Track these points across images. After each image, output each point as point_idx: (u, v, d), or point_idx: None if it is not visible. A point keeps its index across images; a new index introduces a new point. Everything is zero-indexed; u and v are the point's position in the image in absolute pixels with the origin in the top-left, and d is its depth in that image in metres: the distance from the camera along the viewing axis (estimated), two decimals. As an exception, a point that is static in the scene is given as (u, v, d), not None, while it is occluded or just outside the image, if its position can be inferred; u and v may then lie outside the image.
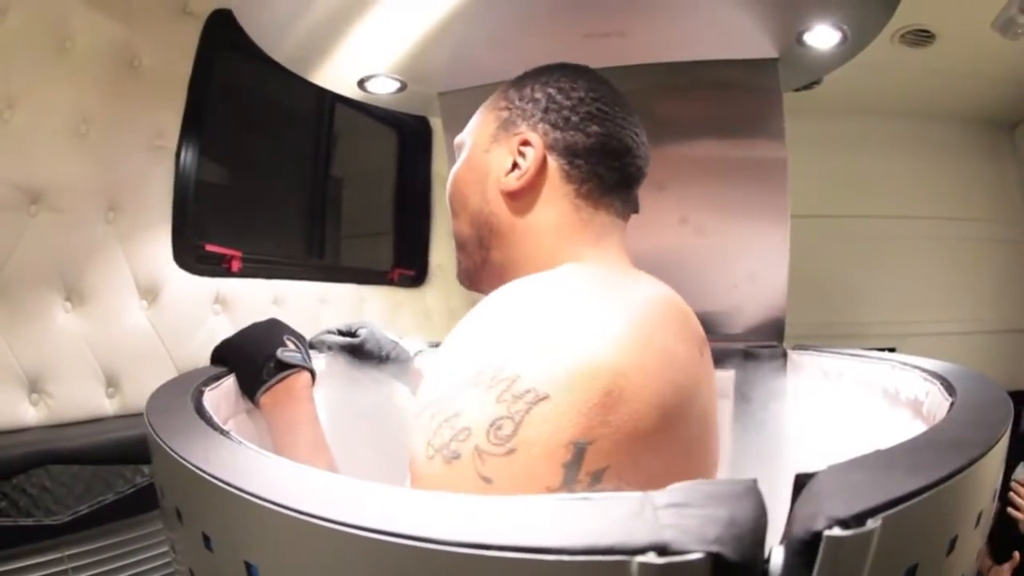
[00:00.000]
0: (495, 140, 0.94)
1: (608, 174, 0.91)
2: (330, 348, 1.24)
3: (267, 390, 1.00)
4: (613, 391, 0.59)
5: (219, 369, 1.01)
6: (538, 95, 0.93)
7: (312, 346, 1.22)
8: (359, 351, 1.25)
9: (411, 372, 1.29)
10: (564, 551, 0.35)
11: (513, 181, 0.90)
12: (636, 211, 0.99)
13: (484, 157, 0.95)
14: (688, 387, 0.67)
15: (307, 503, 0.44)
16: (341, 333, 1.28)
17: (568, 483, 0.56)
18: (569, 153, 0.90)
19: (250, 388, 1.01)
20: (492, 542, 0.36)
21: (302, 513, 0.44)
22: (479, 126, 0.98)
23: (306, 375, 1.04)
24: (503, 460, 0.56)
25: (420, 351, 1.34)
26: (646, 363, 0.63)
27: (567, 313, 0.65)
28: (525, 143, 0.90)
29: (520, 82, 0.98)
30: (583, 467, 0.56)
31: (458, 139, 1.02)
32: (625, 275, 0.81)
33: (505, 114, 0.95)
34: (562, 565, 0.35)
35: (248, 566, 0.49)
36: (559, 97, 0.92)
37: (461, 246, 0.98)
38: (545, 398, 0.57)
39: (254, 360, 1.02)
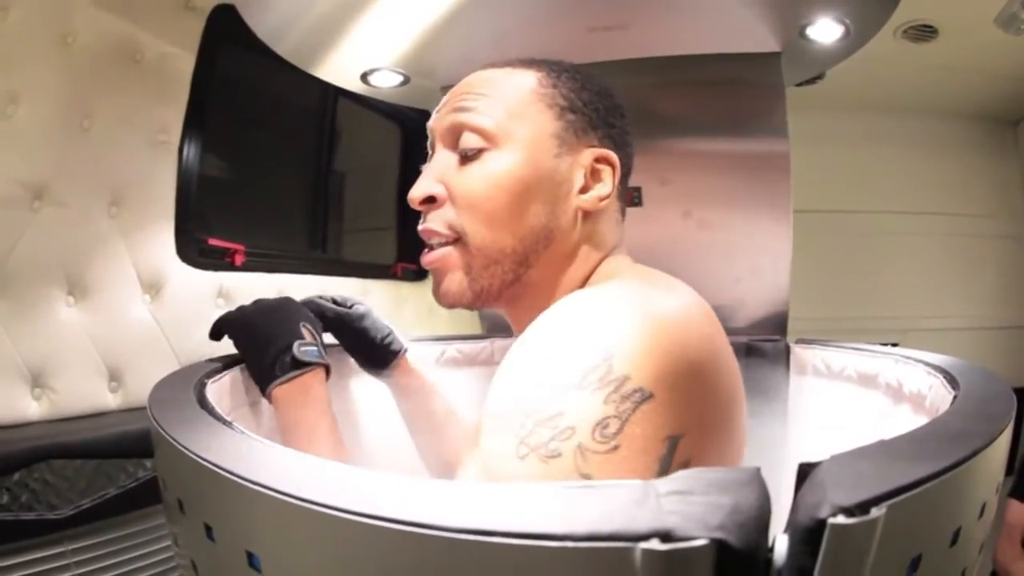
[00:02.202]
0: (563, 145, 0.86)
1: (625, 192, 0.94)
2: (327, 316, 1.15)
3: (281, 385, 0.94)
4: (707, 388, 0.65)
5: (221, 362, 0.98)
6: (597, 104, 0.89)
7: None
8: (356, 323, 1.18)
9: (400, 366, 1.24)
10: (568, 537, 0.35)
11: (597, 201, 0.86)
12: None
13: (554, 164, 0.85)
14: (740, 388, 0.74)
15: (309, 491, 0.44)
16: (335, 303, 1.19)
17: (662, 475, 0.56)
18: (623, 171, 0.90)
19: (260, 378, 0.96)
20: (495, 528, 0.36)
21: (304, 501, 0.43)
22: (534, 121, 0.86)
23: (322, 372, 0.98)
24: (605, 457, 0.57)
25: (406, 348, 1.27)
26: (724, 364, 0.70)
27: (660, 316, 0.66)
28: (604, 160, 0.87)
29: (566, 79, 0.89)
30: (675, 460, 0.59)
31: (484, 121, 0.85)
32: (669, 280, 0.83)
33: (571, 117, 0.87)
34: (566, 551, 0.35)
35: (250, 555, 0.49)
36: (612, 109, 0.91)
37: (491, 262, 0.85)
38: (651, 397, 0.59)
39: (266, 349, 0.96)
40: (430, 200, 0.87)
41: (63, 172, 1.58)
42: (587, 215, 0.87)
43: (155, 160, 1.81)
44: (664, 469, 0.58)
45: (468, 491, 0.42)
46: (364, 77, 1.50)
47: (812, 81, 1.99)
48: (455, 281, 0.87)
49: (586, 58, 1.43)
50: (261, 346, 0.97)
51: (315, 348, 0.98)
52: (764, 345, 1.39)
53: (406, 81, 1.50)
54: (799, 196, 1.43)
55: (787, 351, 1.37)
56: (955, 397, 0.74)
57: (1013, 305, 3.24)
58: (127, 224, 1.73)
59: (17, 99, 1.49)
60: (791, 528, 0.39)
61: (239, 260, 2.05)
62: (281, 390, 0.94)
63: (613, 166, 0.87)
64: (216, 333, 1.02)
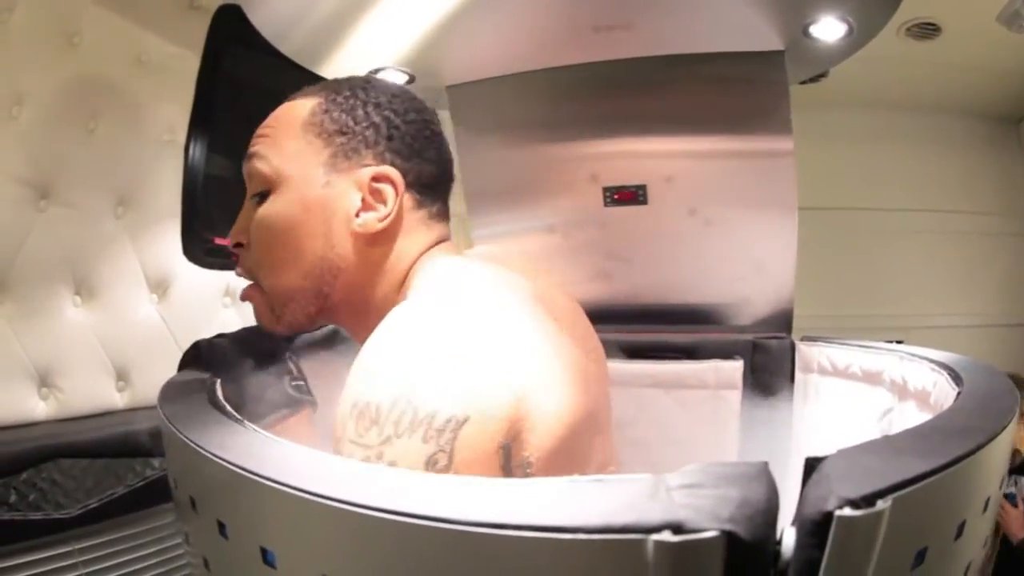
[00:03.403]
0: (333, 171, 0.84)
1: (446, 190, 0.92)
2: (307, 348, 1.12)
3: (272, 425, 0.90)
4: (518, 392, 0.64)
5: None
6: (375, 119, 0.86)
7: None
8: (337, 343, 1.16)
9: None
10: (581, 530, 0.36)
11: (375, 223, 0.83)
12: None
13: (322, 195, 0.83)
14: (575, 378, 0.74)
15: (323, 486, 0.44)
16: None
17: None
18: (418, 182, 0.87)
19: (247, 413, 0.84)
20: (509, 521, 0.37)
21: (319, 496, 0.44)
22: (299, 153, 0.85)
23: (308, 410, 0.96)
24: None
25: None
26: (541, 365, 0.70)
27: (462, 337, 0.67)
28: (382, 179, 0.84)
29: (340, 100, 0.87)
30: (513, 462, 0.61)
31: (263, 166, 0.86)
32: (494, 276, 0.83)
33: (341, 140, 0.84)
34: (579, 543, 0.36)
35: (264, 551, 0.50)
36: (398, 121, 0.87)
37: (287, 299, 0.86)
38: (466, 420, 0.60)
39: (255, 382, 0.93)
40: (238, 245, 0.90)
41: (69, 172, 1.58)
42: (374, 237, 0.84)
43: (161, 160, 1.81)
44: (509, 473, 0.61)
45: (481, 485, 0.43)
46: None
47: (816, 79, 1.99)
48: (264, 316, 0.89)
49: (591, 56, 1.44)
50: (246, 379, 0.94)
51: (304, 383, 0.96)
52: (769, 342, 1.39)
53: (411, 80, 1.50)
54: (803, 194, 1.44)
55: (792, 348, 1.38)
56: (959, 393, 0.74)
57: (1017, 302, 3.24)
58: (134, 224, 1.73)
59: (23, 99, 1.49)
60: (799, 520, 0.39)
61: (245, 259, 2.04)
62: (272, 431, 0.88)
63: (393, 182, 0.84)
64: (192, 361, 0.97)
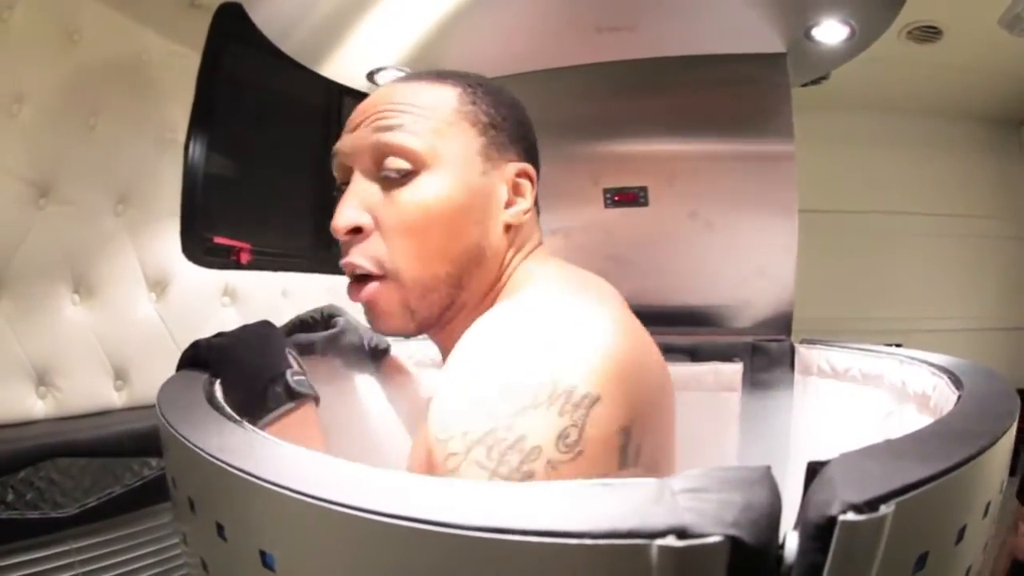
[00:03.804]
0: (488, 162, 0.84)
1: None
2: (316, 343, 1.10)
3: (275, 420, 0.85)
4: (640, 377, 0.66)
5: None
6: (511, 118, 0.88)
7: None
8: (343, 340, 1.13)
9: (387, 362, 1.21)
10: (585, 535, 0.35)
11: (520, 215, 0.86)
12: None
13: (482, 182, 0.83)
14: (667, 372, 0.79)
15: (324, 489, 0.44)
16: (310, 323, 1.15)
17: (624, 462, 0.61)
18: (537, 182, 0.89)
19: (249, 410, 0.83)
20: (512, 526, 0.37)
21: (319, 499, 0.44)
22: (460, 139, 0.83)
23: (313, 403, 0.91)
24: (572, 464, 0.58)
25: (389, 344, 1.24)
26: (649, 353, 0.73)
27: (585, 320, 0.68)
28: (524, 175, 0.87)
29: (482, 94, 0.87)
30: (630, 448, 0.62)
31: (412, 141, 0.81)
32: (582, 277, 0.86)
33: (493, 133, 0.85)
34: (583, 548, 0.35)
35: (263, 554, 0.50)
36: (524, 123, 0.90)
37: (428, 291, 0.83)
38: (599, 398, 0.61)
39: (256, 379, 0.87)
40: (356, 231, 0.83)
41: (69, 170, 1.58)
42: (510, 228, 0.86)
43: (161, 158, 1.81)
44: (625, 457, 0.61)
45: (484, 489, 0.43)
46: (370, 76, 1.50)
47: (817, 81, 2.00)
48: (395, 316, 0.84)
49: (594, 58, 1.44)
50: (248, 375, 0.88)
51: (305, 378, 0.91)
52: (769, 345, 1.39)
53: (411, 80, 1.51)
54: (804, 196, 1.44)
55: (792, 351, 1.38)
56: (959, 397, 0.74)
57: (1017, 306, 3.23)
58: (133, 222, 1.73)
59: (23, 97, 1.49)
60: (802, 525, 0.39)
61: (245, 258, 2.05)
62: (276, 426, 0.85)
63: (532, 179, 0.87)
64: (191, 361, 0.92)
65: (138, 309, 1.76)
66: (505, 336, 0.68)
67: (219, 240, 1.99)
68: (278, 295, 2.19)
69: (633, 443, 0.62)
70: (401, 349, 1.27)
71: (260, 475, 0.49)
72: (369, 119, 0.84)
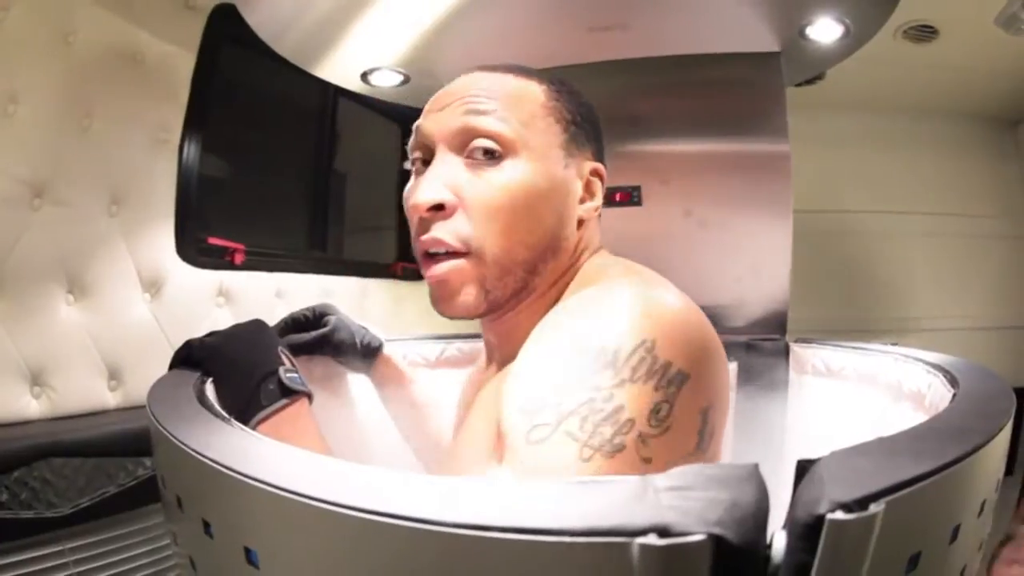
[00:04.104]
0: (569, 157, 0.87)
1: None
2: (308, 343, 1.12)
3: (269, 417, 0.85)
4: (717, 364, 0.71)
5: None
6: (589, 119, 0.91)
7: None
8: (334, 338, 1.15)
9: (380, 360, 1.22)
10: (566, 532, 0.35)
11: (592, 212, 0.89)
12: None
13: (563, 175, 0.86)
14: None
15: (307, 486, 0.44)
16: (301, 321, 1.16)
17: (700, 444, 0.64)
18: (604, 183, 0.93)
19: (242, 408, 0.84)
20: (493, 523, 0.36)
21: (302, 496, 0.43)
22: (546, 132, 0.86)
23: (306, 400, 0.90)
24: (661, 439, 0.61)
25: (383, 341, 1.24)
26: (722, 350, 0.76)
27: (671, 304, 0.71)
28: (596, 173, 0.90)
29: (564, 92, 0.90)
30: (707, 430, 0.65)
31: (502, 127, 0.83)
32: (651, 271, 0.87)
33: (574, 130, 0.88)
34: (564, 546, 0.35)
35: (248, 551, 0.49)
36: (598, 125, 0.93)
37: (506, 272, 0.84)
38: (688, 376, 0.64)
39: (249, 376, 0.87)
40: (438, 208, 0.83)
41: (63, 171, 1.58)
42: (582, 223, 0.89)
43: (155, 159, 1.81)
44: (701, 439, 0.64)
45: (465, 486, 0.42)
46: (364, 76, 1.50)
47: (812, 81, 2.00)
48: (470, 294, 0.84)
49: (586, 57, 1.44)
50: (241, 372, 0.88)
51: (298, 374, 0.90)
52: (764, 344, 1.39)
53: (406, 80, 1.50)
54: (799, 196, 1.44)
55: (787, 350, 1.38)
56: (954, 395, 0.74)
57: (1013, 305, 3.23)
58: (127, 223, 1.73)
59: (17, 98, 1.49)
60: (789, 524, 0.39)
61: (239, 259, 2.05)
62: (268, 424, 0.85)
63: (603, 178, 0.91)
64: (183, 360, 0.92)
65: (132, 309, 1.75)
66: (598, 313, 0.70)
67: (213, 241, 1.99)
68: (272, 296, 2.19)
69: (708, 426, 0.65)
70: (394, 348, 1.27)
71: (244, 471, 0.49)
72: (458, 102, 0.85)
